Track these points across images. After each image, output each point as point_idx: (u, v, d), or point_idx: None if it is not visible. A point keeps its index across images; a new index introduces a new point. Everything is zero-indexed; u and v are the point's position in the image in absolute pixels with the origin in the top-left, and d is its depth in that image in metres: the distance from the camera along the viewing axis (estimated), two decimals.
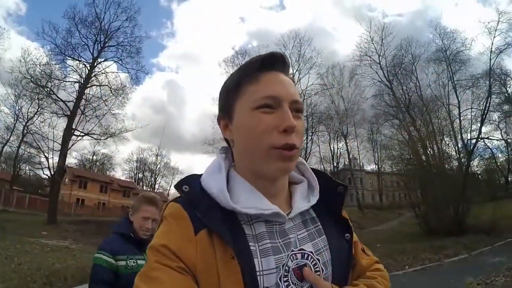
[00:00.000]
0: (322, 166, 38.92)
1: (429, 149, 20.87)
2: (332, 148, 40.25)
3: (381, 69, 28.60)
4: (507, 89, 27.07)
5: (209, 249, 0.63)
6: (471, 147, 21.70)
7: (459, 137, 23.13)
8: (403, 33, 40.84)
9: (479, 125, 22.13)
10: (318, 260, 0.71)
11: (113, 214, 30.71)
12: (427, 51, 27.20)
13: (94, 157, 47.91)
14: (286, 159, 0.68)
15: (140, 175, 53.52)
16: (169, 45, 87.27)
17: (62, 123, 25.34)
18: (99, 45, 25.69)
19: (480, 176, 25.00)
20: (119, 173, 52.11)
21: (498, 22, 21.82)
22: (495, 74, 23.41)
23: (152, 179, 53.23)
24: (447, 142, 22.27)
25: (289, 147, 0.67)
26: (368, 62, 29.43)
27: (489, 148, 26.50)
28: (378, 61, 29.35)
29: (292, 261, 0.68)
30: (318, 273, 0.70)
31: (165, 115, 75.12)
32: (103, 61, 26.21)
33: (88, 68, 25.12)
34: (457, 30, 27.80)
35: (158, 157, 51.81)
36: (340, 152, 41.50)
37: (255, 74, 0.71)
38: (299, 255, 0.69)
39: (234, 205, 0.67)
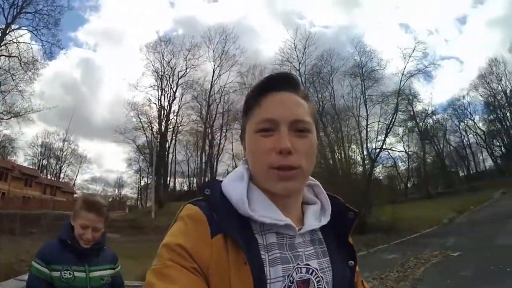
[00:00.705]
0: (234, 163, 39.11)
1: (337, 154, 21.96)
2: None
3: (300, 76, 29.34)
4: (413, 108, 31.39)
5: (223, 254, 0.63)
6: (375, 155, 22.73)
7: (365, 145, 24.52)
8: (327, 45, 43.09)
9: (383, 136, 23.34)
10: (322, 278, 0.70)
11: (14, 206, 25.95)
12: (346, 65, 29.24)
13: None
14: (285, 179, 0.68)
15: (45, 162, 47.58)
16: (91, 19, 75.47)
17: None
18: (15, 10, 22.00)
19: (382, 182, 26.84)
20: (21, 159, 44.50)
21: (413, 50, 23.07)
22: (404, 94, 25.35)
23: (58, 166, 48.10)
24: (354, 149, 23.47)
25: (287, 167, 0.67)
26: (288, 68, 29.98)
27: (392, 157, 29.22)
28: (297, 68, 30.45)
29: (297, 274, 0.67)
30: None
31: (77, 96, 64.58)
32: (17, 28, 22.48)
33: None
34: (375, 50, 30.09)
35: (65, 143, 46.77)
36: None
37: (258, 98, 0.73)
38: (304, 269, 0.69)
39: (252, 213, 0.67)
